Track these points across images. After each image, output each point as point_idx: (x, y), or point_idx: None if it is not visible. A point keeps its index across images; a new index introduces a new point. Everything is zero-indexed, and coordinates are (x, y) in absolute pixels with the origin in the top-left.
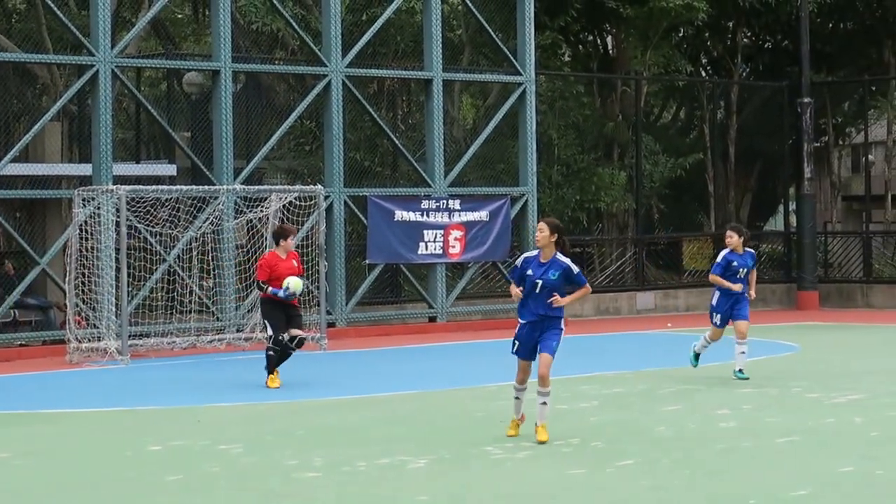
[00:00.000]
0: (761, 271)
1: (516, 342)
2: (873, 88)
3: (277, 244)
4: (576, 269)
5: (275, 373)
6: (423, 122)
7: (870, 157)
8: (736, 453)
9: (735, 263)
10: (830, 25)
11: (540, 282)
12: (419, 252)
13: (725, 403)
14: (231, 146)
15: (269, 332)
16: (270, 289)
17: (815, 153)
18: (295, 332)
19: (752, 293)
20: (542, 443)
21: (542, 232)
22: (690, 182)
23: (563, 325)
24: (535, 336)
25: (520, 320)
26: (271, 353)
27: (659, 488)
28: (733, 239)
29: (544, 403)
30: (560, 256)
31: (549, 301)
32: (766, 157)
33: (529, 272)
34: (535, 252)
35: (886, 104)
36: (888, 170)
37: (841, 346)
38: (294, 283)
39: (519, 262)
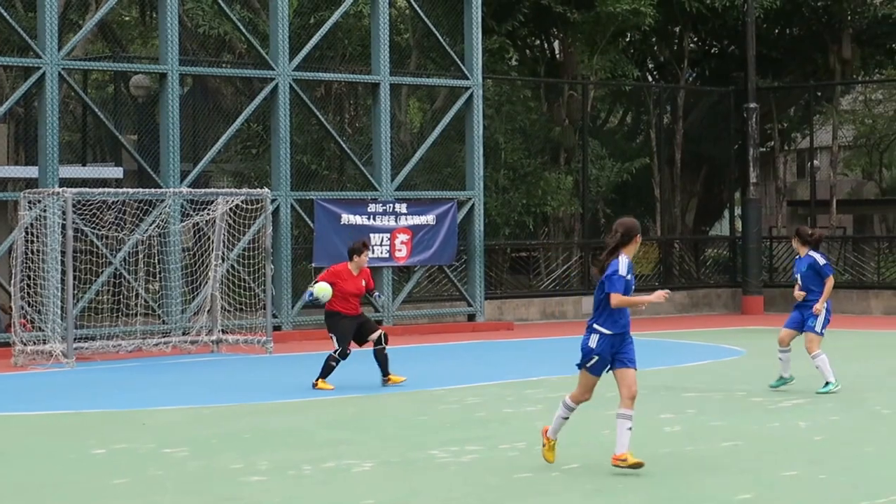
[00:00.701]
0: (706, 276)
1: (594, 357)
2: (819, 94)
3: (351, 259)
4: None
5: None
6: (371, 125)
7: (815, 162)
8: (680, 457)
9: (794, 269)
10: (777, 31)
11: (633, 287)
12: None
13: (669, 408)
14: (178, 149)
15: (336, 344)
16: (308, 290)
17: (760, 158)
18: (374, 335)
19: (818, 305)
20: (639, 465)
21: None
22: (637, 186)
23: None
24: (614, 350)
25: (602, 329)
26: (333, 363)
27: (603, 491)
28: (793, 242)
29: (630, 429)
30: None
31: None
32: (712, 162)
33: (628, 277)
34: (624, 259)
35: (831, 109)
36: (833, 175)
37: None
38: (319, 290)
39: (624, 269)
